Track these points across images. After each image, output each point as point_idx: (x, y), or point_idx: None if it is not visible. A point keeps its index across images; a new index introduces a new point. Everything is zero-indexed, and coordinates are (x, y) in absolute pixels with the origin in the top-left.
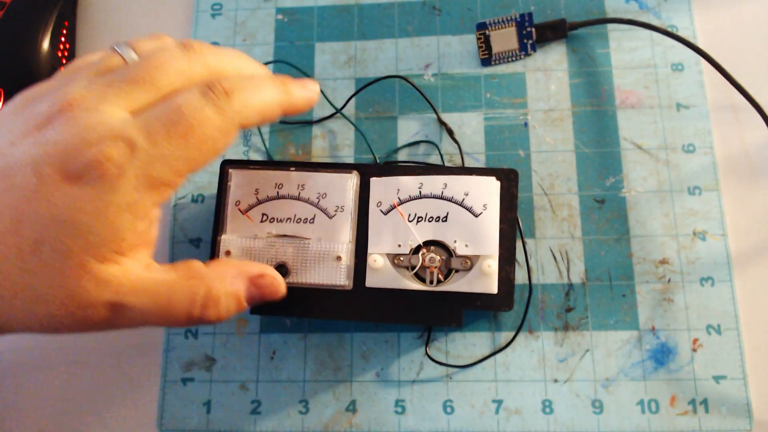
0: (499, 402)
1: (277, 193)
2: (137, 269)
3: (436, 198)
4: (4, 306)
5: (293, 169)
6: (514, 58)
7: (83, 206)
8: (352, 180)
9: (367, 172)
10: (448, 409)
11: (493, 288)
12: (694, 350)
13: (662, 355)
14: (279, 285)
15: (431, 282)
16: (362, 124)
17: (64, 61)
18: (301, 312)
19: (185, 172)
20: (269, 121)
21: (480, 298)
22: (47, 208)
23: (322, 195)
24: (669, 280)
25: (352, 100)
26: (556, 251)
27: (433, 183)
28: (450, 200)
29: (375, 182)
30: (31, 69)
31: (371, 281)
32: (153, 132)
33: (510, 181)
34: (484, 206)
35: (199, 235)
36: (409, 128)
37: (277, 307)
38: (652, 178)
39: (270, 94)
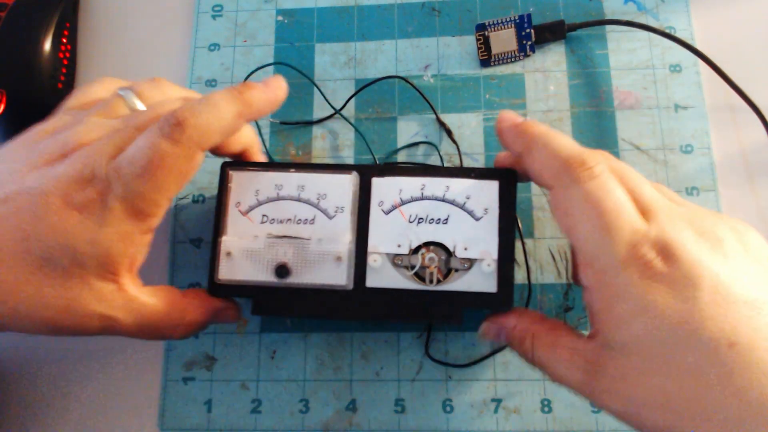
0: (498, 401)
1: (277, 194)
2: (129, 289)
3: (438, 200)
4: (8, 309)
5: (293, 170)
6: (513, 59)
7: (82, 235)
8: (351, 181)
9: (368, 172)
10: (448, 409)
11: (492, 287)
12: None
13: None
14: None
15: (431, 281)
16: (362, 125)
17: (65, 63)
18: (301, 312)
19: (163, 202)
20: (233, 133)
21: (479, 297)
22: (52, 232)
23: (321, 196)
24: None
25: (352, 101)
26: (554, 251)
27: (435, 185)
28: (451, 203)
29: (377, 182)
30: (33, 70)
31: (371, 281)
32: (125, 175)
33: (508, 182)
34: (485, 210)
35: (200, 236)
36: (408, 129)
37: (277, 308)
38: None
39: (224, 110)
